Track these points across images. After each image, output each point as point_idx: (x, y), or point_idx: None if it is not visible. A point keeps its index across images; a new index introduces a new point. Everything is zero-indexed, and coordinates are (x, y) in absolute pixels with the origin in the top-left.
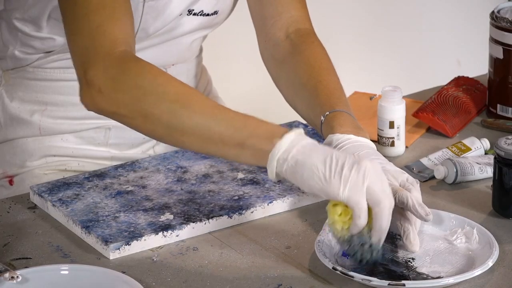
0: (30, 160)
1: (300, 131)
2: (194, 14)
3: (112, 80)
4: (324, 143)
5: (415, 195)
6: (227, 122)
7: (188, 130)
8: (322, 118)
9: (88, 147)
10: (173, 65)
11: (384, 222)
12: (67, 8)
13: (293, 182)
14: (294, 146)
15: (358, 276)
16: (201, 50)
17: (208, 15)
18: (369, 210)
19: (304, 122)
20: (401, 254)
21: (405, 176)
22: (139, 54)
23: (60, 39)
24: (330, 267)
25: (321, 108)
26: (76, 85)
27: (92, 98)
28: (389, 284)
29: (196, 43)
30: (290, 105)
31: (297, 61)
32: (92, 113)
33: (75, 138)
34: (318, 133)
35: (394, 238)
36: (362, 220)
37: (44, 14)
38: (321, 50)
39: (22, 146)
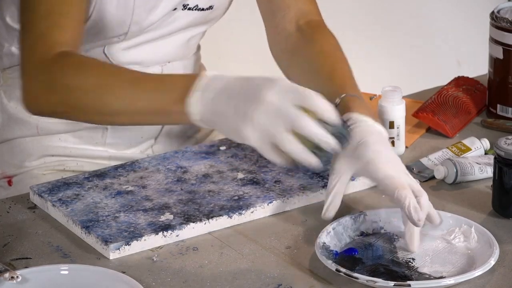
0: (28, 160)
1: (205, 75)
2: (189, 8)
3: (42, 83)
4: None
5: (421, 200)
6: (146, 95)
7: (116, 111)
8: (338, 99)
9: (86, 146)
10: (169, 62)
11: (315, 134)
12: (20, 14)
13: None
14: (204, 104)
15: (362, 278)
16: (198, 47)
17: (203, 9)
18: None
19: None
20: (401, 255)
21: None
22: (134, 50)
23: None
24: (333, 269)
25: (337, 93)
26: None
27: (30, 104)
28: (394, 285)
29: (193, 41)
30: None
31: (310, 50)
32: None
33: (73, 137)
34: None
35: (392, 238)
36: (316, 131)
37: None
38: (333, 40)
39: (20, 146)
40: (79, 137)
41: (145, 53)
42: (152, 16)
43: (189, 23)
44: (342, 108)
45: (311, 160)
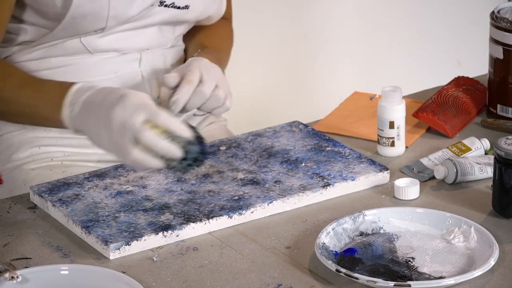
0: (16, 153)
1: (75, 87)
2: (166, 5)
3: None
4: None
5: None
6: (28, 101)
7: (9, 115)
8: (195, 54)
9: (72, 135)
10: (147, 49)
11: (158, 146)
12: None
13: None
14: (74, 120)
15: (362, 278)
16: (181, 44)
17: (179, 8)
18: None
19: (304, 122)
20: (400, 254)
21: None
22: (112, 37)
23: (32, 29)
24: (334, 269)
25: (197, 49)
26: (52, 74)
27: None
28: (394, 285)
29: (167, 31)
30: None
31: (202, 28)
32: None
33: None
34: (317, 133)
35: (392, 238)
36: (158, 143)
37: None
38: (227, 25)
39: (7, 141)
40: None
41: (122, 41)
42: (130, 11)
43: (164, 20)
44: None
45: (154, 164)
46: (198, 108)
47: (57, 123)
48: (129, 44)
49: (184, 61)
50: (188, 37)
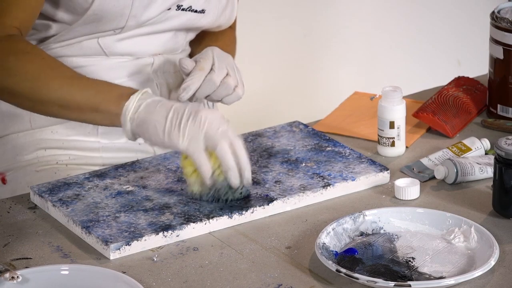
0: (21, 155)
1: (146, 90)
2: (183, 9)
3: None
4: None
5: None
6: (81, 91)
7: (49, 102)
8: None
9: (78, 138)
10: (160, 54)
11: (229, 161)
12: None
13: (144, 138)
14: (140, 105)
15: (362, 278)
16: (188, 48)
17: (196, 11)
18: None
19: (304, 122)
20: (401, 254)
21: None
22: (128, 42)
23: (54, 25)
24: (334, 270)
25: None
26: None
27: None
28: (395, 285)
29: (181, 37)
30: None
31: (206, 36)
32: None
33: (65, 129)
34: (318, 133)
35: (392, 238)
36: (205, 167)
37: None
38: (230, 32)
39: (12, 141)
40: (71, 128)
41: (138, 45)
42: (149, 12)
43: (181, 25)
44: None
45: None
46: (207, 97)
47: (108, 115)
48: (144, 49)
49: None
50: (194, 42)
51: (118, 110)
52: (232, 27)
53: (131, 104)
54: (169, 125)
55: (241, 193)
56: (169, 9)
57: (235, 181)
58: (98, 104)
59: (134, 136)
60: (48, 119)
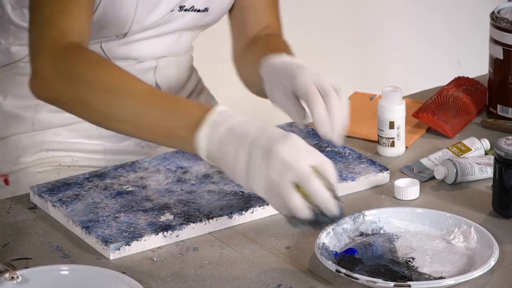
0: (23, 157)
1: (222, 109)
2: (186, 10)
3: (54, 69)
4: (261, 71)
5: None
6: (156, 111)
7: (121, 119)
8: (265, 59)
9: (81, 140)
10: (163, 57)
11: (322, 197)
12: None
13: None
14: (213, 143)
15: (362, 278)
16: (191, 48)
17: (199, 11)
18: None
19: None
20: (400, 254)
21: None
22: (131, 46)
23: None
24: (334, 270)
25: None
26: None
27: (38, 86)
28: (394, 286)
29: (185, 38)
30: (246, 84)
31: (257, 46)
32: None
33: (68, 131)
34: (317, 133)
35: (392, 238)
36: (298, 206)
37: None
38: (282, 40)
39: (14, 143)
40: (74, 131)
41: (142, 49)
42: (153, 15)
43: (185, 25)
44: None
45: (307, 214)
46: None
47: (181, 142)
48: (148, 52)
49: (192, 70)
50: (247, 56)
51: (191, 139)
52: (278, 35)
53: (204, 140)
54: (246, 172)
55: (331, 220)
56: (171, 11)
57: (328, 210)
58: (173, 129)
59: (212, 163)
60: (51, 121)
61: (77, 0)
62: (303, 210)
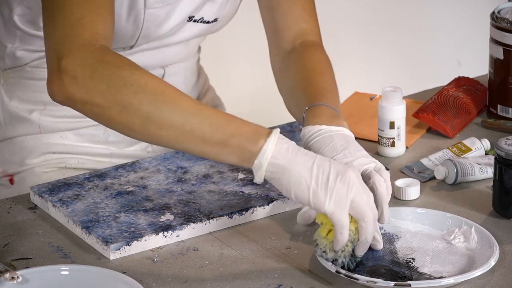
0: (29, 158)
1: (277, 130)
2: (195, 21)
3: (90, 68)
4: (301, 136)
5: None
6: (210, 119)
7: (168, 123)
8: (303, 114)
9: (87, 144)
10: (170, 64)
11: (369, 235)
12: (49, 3)
13: (278, 187)
14: (279, 150)
15: (362, 279)
16: (199, 49)
17: (208, 22)
18: (353, 221)
19: None
20: (401, 255)
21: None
22: (138, 55)
23: None
24: (333, 271)
25: (304, 108)
26: None
27: (63, 85)
28: (394, 285)
29: (193, 44)
30: (290, 112)
31: (295, 68)
32: None
33: (74, 135)
34: None
35: (392, 239)
36: (344, 237)
37: (41, 13)
38: (320, 56)
39: (21, 144)
40: (80, 135)
41: (149, 58)
42: (161, 30)
43: (193, 35)
44: (307, 120)
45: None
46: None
47: (233, 150)
48: (156, 61)
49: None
50: (290, 90)
51: (253, 148)
52: (318, 41)
53: (270, 147)
54: (314, 183)
55: (353, 261)
56: (180, 22)
57: (362, 253)
58: (229, 137)
59: (263, 180)
60: (57, 125)
61: (106, 5)
62: (346, 223)
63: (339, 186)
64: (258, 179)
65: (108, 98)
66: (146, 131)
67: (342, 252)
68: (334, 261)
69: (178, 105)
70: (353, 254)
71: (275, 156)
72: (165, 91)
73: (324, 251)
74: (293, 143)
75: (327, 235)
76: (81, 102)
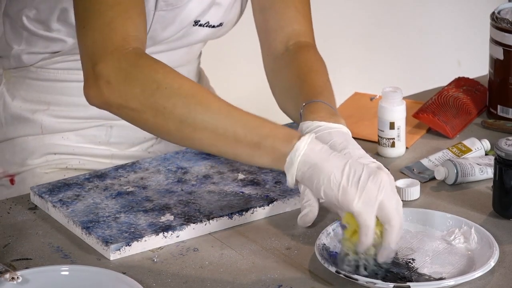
0: (30, 159)
1: (312, 134)
2: (200, 25)
3: (124, 72)
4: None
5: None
6: (243, 121)
7: (201, 125)
8: (301, 110)
9: (89, 145)
10: (173, 68)
11: (393, 241)
12: (82, 5)
13: (309, 186)
14: (312, 149)
15: (362, 279)
16: (200, 53)
17: (214, 26)
18: (378, 224)
19: None
20: (401, 255)
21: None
22: None
23: (71, 41)
24: (333, 271)
25: (301, 104)
26: (81, 86)
27: (99, 90)
28: (394, 287)
29: (196, 49)
30: (284, 112)
31: (290, 67)
32: (95, 112)
33: (76, 136)
34: None
35: None
36: (368, 239)
37: (53, 14)
38: (314, 56)
39: (22, 144)
40: (82, 136)
41: None
42: (167, 32)
43: (199, 39)
44: (305, 115)
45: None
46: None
47: (267, 151)
48: None
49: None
50: (284, 88)
51: (286, 149)
52: (311, 43)
53: (303, 145)
54: (345, 181)
55: (375, 266)
56: (186, 26)
57: (384, 260)
58: (262, 139)
59: (294, 182)
60: (59, 126)
61: (137, 6)
62: (371, 225)
63: (370, 185)
64: (290, 179)
65: (142, 102)
66: (180, 134)
67: (365, 255)
68: (357, 266)
69: (211, 107)
70: (375, 259)
71: (307, 154)
72: (198, 93)
73: (347, 254)
74: (326, 146)
75: (351, 237)
76: (116, 106)
